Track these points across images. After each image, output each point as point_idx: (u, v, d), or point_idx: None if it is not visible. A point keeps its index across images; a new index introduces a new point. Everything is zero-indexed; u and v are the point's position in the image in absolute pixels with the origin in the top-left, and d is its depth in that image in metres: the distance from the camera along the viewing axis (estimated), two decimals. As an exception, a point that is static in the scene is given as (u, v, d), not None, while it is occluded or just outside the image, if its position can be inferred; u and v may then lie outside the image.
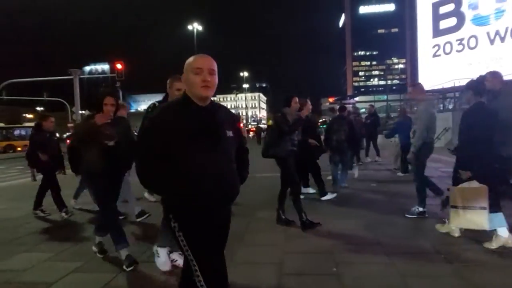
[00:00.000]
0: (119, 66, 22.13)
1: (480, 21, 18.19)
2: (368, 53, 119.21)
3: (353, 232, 4.27)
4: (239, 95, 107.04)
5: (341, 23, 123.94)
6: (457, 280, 2.93)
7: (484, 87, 3.67)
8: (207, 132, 1.80)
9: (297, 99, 4.66)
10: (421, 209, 4.74)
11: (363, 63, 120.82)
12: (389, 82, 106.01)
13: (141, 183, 1.92)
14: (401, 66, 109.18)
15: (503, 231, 3.50)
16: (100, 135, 3.33)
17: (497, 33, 17.51)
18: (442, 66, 19.99)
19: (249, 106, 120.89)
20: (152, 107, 3.23)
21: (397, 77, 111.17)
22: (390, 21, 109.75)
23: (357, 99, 62.44)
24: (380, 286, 2.92)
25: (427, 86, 20.00)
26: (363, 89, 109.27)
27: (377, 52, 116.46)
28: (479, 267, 3.15)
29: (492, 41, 17.70)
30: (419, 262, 3.31)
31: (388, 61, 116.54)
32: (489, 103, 3.67)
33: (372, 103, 18.67)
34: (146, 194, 6.29)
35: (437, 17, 20.32)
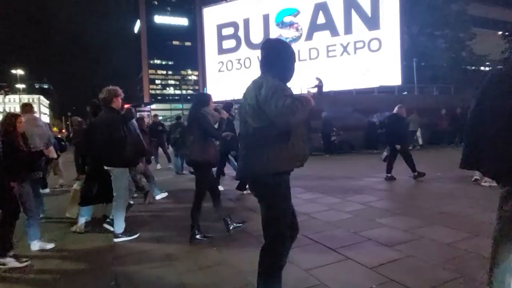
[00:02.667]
0: None
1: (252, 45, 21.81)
2: (164, 63, 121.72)
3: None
4: (11, 97, 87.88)
5: (136, 29, 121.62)
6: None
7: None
8: None
9: (211, 97, 4.60)
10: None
11: (159, 71, 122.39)
12: (184, 92, 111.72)
13: None
14: (194, 77, 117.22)
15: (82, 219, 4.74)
16: None
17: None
18: (225, 81, 22.76)
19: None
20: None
21: (191, 87, 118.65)
22: (184, 35, 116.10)
23: (153, 106, 62.75)
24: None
25: (214, 98, 22.41)
26: (160, 97, 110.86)
27: (172, 63, 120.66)
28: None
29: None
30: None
31: (183, 72, 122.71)
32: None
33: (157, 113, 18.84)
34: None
35: (220, 37, 23.02)
